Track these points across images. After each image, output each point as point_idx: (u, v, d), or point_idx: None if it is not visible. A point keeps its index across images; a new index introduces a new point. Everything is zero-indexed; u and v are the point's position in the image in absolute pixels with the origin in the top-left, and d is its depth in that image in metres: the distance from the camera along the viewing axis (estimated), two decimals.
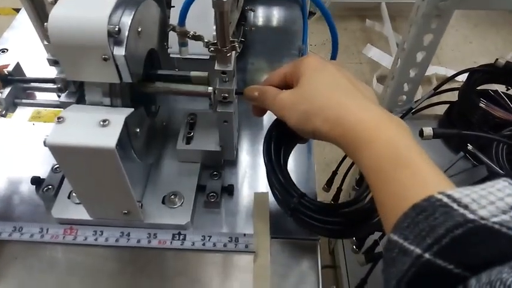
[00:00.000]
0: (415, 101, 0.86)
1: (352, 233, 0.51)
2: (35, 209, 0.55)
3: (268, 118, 0.66)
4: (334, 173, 0.95)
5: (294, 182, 0.47)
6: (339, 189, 0.96)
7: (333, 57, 0.55)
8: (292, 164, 0.60)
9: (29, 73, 0.54)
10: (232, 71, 0.47)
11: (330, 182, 0.96)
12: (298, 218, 0.46)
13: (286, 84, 0.45)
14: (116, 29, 0.40)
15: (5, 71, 0.50)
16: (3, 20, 2.04)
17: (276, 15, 0.85)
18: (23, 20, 0.80)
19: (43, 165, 0.58)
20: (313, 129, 0.39)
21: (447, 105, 0.90)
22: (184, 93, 0.48)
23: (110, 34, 0.40)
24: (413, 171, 0.31)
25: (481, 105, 0.74)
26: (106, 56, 0.41)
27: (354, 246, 0.78)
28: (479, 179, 0.76)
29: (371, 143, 0.34)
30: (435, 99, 0.91)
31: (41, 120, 0.65)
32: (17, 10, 0.85)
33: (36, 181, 0.56)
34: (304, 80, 0.41)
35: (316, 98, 0.39)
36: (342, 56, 2.03)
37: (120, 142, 0.42)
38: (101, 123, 0.42)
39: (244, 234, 0.52)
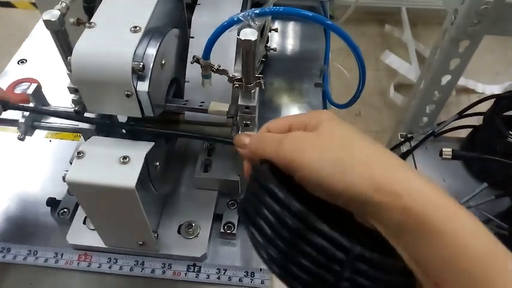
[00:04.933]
0: (438, 124, 0.83)
1: None
2: (50, 231, 0.54)
3: None
4: None
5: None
6: None
7: (357, 95, 0.53)
8: None
9: (48, 85, 0.53)
10: (255, 106, 0.45)
11: None
12: None
13: None
14: (141, 65, 0.38)
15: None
16: (20, 14, 2.05)
17: (298, 34, 0.83)
18: (42, 30, 0.79)
19: (59, 185, 0.57)
20: (346, 186, 0.26)
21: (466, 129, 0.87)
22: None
23: (134, 71, 0.39)
24: None
25: (509, 139, 0.71)
26: (129, 92, 0.39)
27: None
28: (502, 210, 0.74)
29: (444, 231, 0.24)
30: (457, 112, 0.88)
31: (57, 137, 0.64)
32: (35, 4, 0.84)
33: (51, 203, 0.55)
34: (326, 127, 0.30)
35: (354, 146, 0.28)
36: None
37: (140, 178, 0.41)
38: (121, 160, 0.41)
39: (261, 269, 0.51)
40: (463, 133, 0.88)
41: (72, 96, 0.46)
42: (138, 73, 0.39)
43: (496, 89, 1.82)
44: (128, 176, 0.39)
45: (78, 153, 0.41)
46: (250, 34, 0.38)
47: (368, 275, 0.25)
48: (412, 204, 0.24)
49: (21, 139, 0.49)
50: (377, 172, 0.26)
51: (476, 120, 0.87)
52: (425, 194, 0.25)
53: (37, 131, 0.51)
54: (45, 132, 0.64)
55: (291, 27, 0.85)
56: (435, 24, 2.15)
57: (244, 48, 0.39)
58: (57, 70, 0.69)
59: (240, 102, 0.45)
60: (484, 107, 0.83)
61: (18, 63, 0.73)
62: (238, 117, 0.47)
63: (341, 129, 0.30)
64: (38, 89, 0.51)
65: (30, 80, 0.66)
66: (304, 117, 0.32)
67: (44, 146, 0.63)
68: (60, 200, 0.56)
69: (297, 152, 0.29)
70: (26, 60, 0.74)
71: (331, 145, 0.29)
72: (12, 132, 0.63)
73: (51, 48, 0.73)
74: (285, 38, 0.82)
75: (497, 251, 0.24)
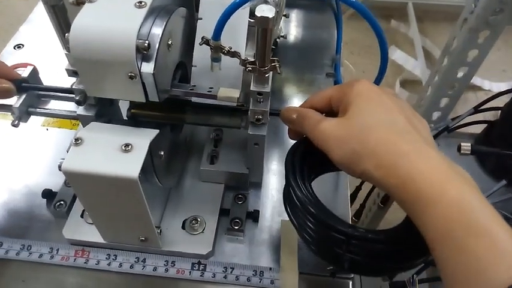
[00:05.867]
0: (452, 119, 0.80)
1: None
2: (46, 225, 0.51)
3: None
4: (358, 189, 0.90)
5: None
6: (362, 206, 0.91)
7: (379, 78, 0.50)
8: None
9: (45, 71, 0.49)
10: (268, 93, 0.42)
11: (358, 214, 0.91)
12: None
13: (331, 110, 0.40)
14: (146, 44, 0.35)
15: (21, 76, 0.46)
16: (21, 4, 2.00)
17: (308, 21, 0.79)
18: (40, 14, 0.76)
19: (56, 176, 0.54)
20: (362, 171, 0.34)
21: (479, 125, 0.84)
22: (216, 125, 0.44)
23: (138, 50, 0.35)
24: (490, 241, 0.27)
25: None
26: (132, 74, 0.36)
27: None
28: None
29: (435, 201, 0.29)
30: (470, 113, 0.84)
31: (55, 126, 0.60)
32: None
33: (47, 195, 0.52)
34: (354, 111, 0.35)
35: (368, 138, 0.33)
36: (364, 56, 1.96)
37: (143, 168, 0.37)
38: (123, 147, 0.37)
39: (270, 268, 0.47)
40: (473, 129, 0.85)
41: (74, 84, 0.42)
42: (143, 52, 0.35)
43: (503, 87, 1.79)
44: (130, 166, 0.36)
45: (76, 139, 0.37)
46: (267, 10, 0.34)
47: (360, 247, 0.36)
48: (409, 184, 0.30)
49: (15, 125, 0.46)
50: (385, 161, 0.32)
51: (483, 116, 0.83)
52: (422, 173, 0.30)
53: (34, 119, 0.48)
54: (41, 120, 0.61)
55: (297, 14, 0.81)
56: (442, 20, 2.12)
57: (261, 26, 0.35)
58: (55, 55, 0.66)
59: (252, 87, 0.42)
60: (496, 103, 0.80)
61: (14, 48, 0.70)
62: (250, 105, 0.43)
63: (365, 111, 0.35)
64: (34, 72, 0.47)
65: (27, 65, 0.62)
66: (340, 92, 0.38)
67: (40, 134, 0.60)
68: (56, 192, 0.52)
69: (324, 141, 0.36)
70: (23, 45, 0.70)
71: (351, 136, 0.34)
72: (6, 120, 0.60)
73: (49, 34, 0.70)
74: (293, 26, 0.78)
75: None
